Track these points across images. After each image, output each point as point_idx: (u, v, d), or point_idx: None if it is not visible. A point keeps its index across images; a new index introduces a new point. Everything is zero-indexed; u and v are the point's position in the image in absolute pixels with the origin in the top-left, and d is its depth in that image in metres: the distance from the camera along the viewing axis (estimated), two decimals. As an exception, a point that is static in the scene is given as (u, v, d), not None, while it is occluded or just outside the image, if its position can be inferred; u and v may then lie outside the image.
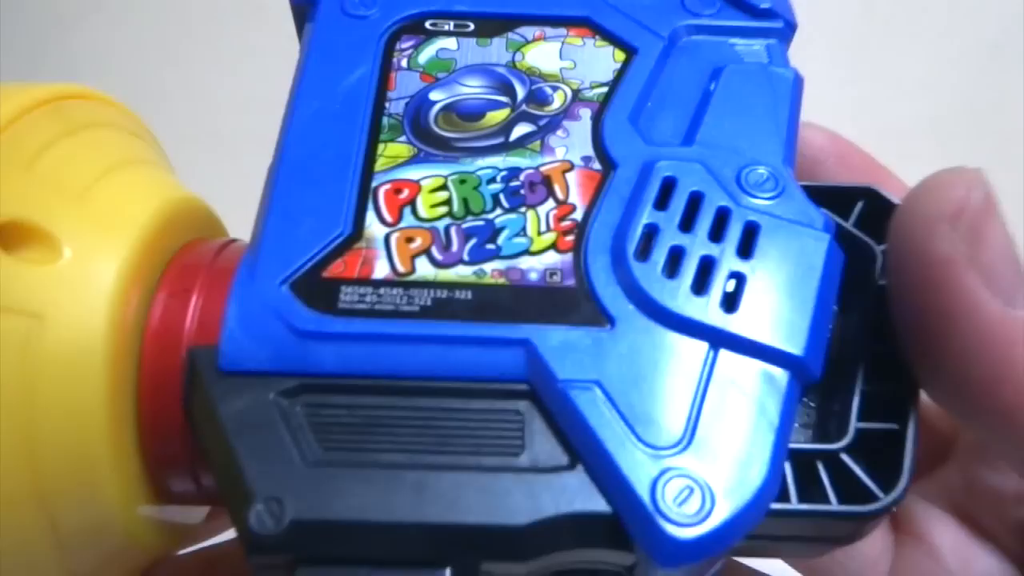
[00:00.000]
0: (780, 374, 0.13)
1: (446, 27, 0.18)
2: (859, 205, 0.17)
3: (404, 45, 0.17)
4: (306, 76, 0.17)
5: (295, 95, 0.16)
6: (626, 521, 0.12)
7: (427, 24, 0.18)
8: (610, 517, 0.12)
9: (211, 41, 0.57)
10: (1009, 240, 0.14)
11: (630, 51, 0.17)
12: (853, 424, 0.14)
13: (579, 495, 0.12)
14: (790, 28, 0.18)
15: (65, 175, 0.13)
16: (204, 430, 0.13)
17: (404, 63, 0.17)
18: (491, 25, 0.18)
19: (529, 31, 0.18)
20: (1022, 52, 0.56)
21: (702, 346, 0.13)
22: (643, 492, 0.12)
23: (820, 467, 0.14)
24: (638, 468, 0.12)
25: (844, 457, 0.14)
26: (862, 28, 0.58)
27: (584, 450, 0.13)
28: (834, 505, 0.14)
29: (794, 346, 0.13)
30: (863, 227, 0.17)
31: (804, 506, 0.14)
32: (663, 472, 0.12)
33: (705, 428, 0.13)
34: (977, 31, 0.57)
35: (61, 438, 0.13)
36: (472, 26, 0.18)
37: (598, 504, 0.12)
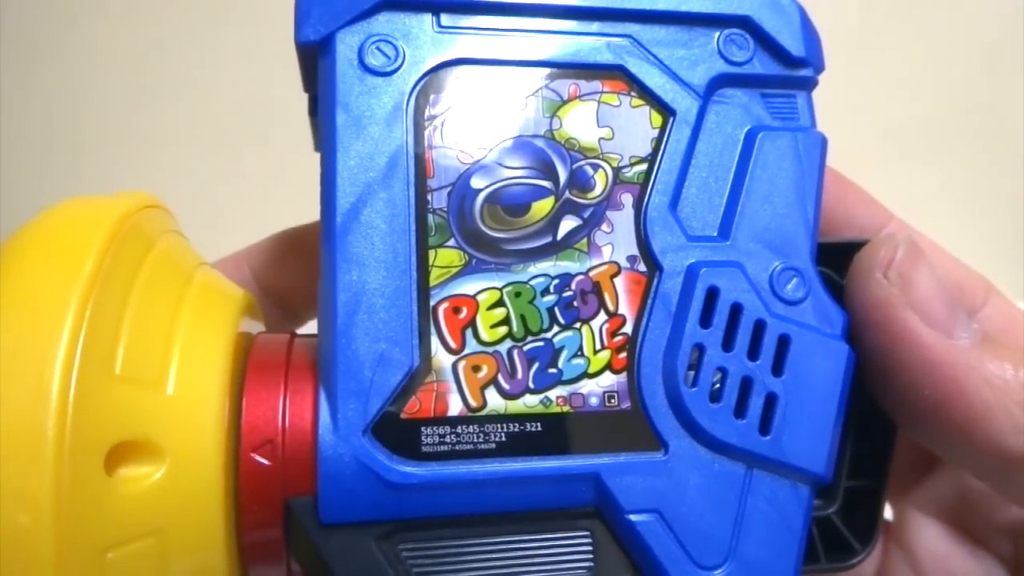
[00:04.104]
0: (803, 488, 0.16)
1: (475, 81, 0.17)
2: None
3: (434, 110, 0.16)
4: (339, 157, 0.16)
5: (332, 184, 0.15)
6: None
7: (454, 79, 0.16)
8: None
9: (211, 41, 0.53)
10: (937, 281, 0.17)
11: (667, 113, 0.17)
12: (843, 486, 0.17)
13: None
14: (818, 72, 0.18)
15: (145, 364, 0.13)
16: (314, 570, 0.15)
17: (438, 138, 0.16)
18: (523, 77, 0.17)
19: (563, 85, 0.17)
20: (1022, 52, 0.55)
21: (740, 467, 0.16)
22: None
23: (814, 529, 0.17)
24: None
25: (835, 520, 0.17)
26: (862, 28, 0.57)
27: (647, 570, 0.15)
28: (823, 563, 0.17)
29: (817, 465, 0.16)
30: None
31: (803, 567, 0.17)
32: (713, 588, 0.15)
33: (744, 544, 0.15)
34: (977, 31, 0.56)
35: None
36: (503, 78, 0.17)
37: None
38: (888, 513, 0.20)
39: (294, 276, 0.21)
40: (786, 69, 0.18)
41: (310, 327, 0.21)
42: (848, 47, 0.56)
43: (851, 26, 0.58)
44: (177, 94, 0.55)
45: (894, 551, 0.20)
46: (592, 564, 0.15)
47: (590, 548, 0.15)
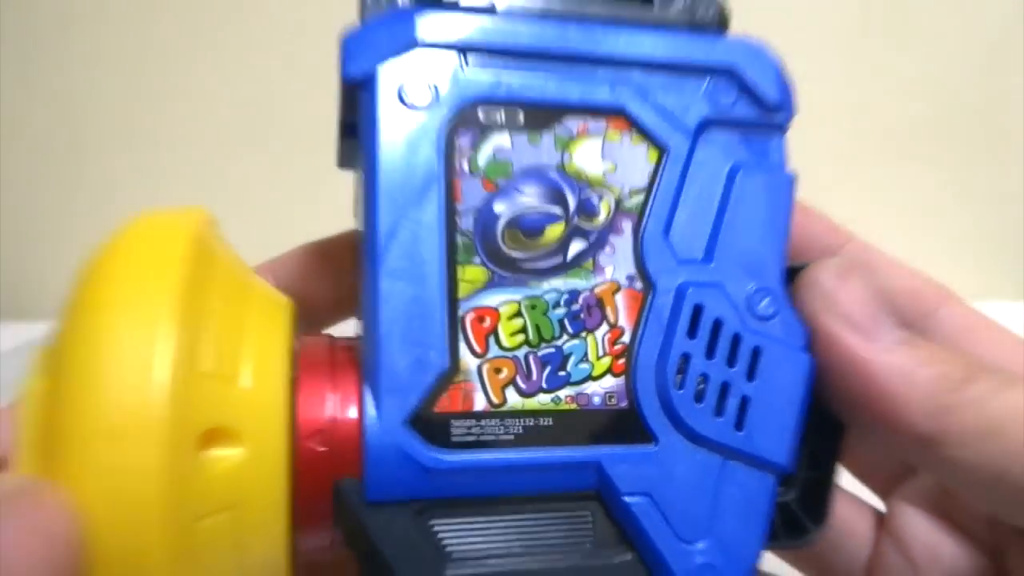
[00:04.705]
0: (769, 477, 0.19)
1: (498, 117, 0.19)
2: None
3: (463, 142, 0.18)
4: (380, 182, 0.18)
5: (374, 206, 0.18)
6: None
7: (480, 114, 0.19)
8: None
9: (211, 41, 0.53)
10: (865, 294, 0.19)
11: (662, 150, 0.20)
12: (801, 476, 0.20)
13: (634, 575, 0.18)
14: (791, 117, 0.21)
15: (225, 360, 0.15)
16: (357, 542, 0.17)
17: (466, 166, 0.18)
18: (539, 115, 0.19)
19: (573, 123, 0.19)
20: (1022, 52, 0.54)
21: (718, 458, 0.18)
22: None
23: (776, 513, 0.20)
24: (680, 560, 0.18)
25: (793, 505, 0.20)
26: (862, 28, 0.56)
27: (639, 545, 0.18)
28: (782, 541, 0.20)
29: (781, 458, 0.18)
30: None
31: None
32: (695, 560, 0.18)
33: (719, 523, 0.18)
34: (977, 31, 0.55)
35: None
36: (522, 115, 0.19)
37: None
38: (881, 507, 0.23)
39: (317, 287, 0.23)
40: (764, 114, 0.20)
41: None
42: (848, 47, 0.57)
43: (851, 26, 0.57)
44: (177, 94, 0.55)
45: (885, 540, 0.22)
46: (592, 538, 0.18)
47: (590, 526, 0.18)
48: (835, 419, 0.20)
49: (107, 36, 0.56)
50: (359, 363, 0.18)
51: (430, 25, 0.18)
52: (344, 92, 0.19)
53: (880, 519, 0.23)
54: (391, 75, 0.18)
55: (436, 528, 0.17)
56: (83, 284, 0.15)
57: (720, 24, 0.21)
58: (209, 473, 0.14)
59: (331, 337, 0.19)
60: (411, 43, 0.18)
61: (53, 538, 0.12)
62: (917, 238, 0.57)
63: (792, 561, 0.24)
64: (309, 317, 0.23)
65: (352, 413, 0.17)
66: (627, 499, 0.18)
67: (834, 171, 0.57)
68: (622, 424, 0.18)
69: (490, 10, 0.20)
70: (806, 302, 0.19)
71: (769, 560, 0.23)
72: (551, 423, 0.18)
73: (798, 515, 0.20)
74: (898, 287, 0.22)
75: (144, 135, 0.56)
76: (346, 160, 0.23)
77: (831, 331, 0.19)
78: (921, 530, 0.21)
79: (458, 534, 0.17)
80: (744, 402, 0.19)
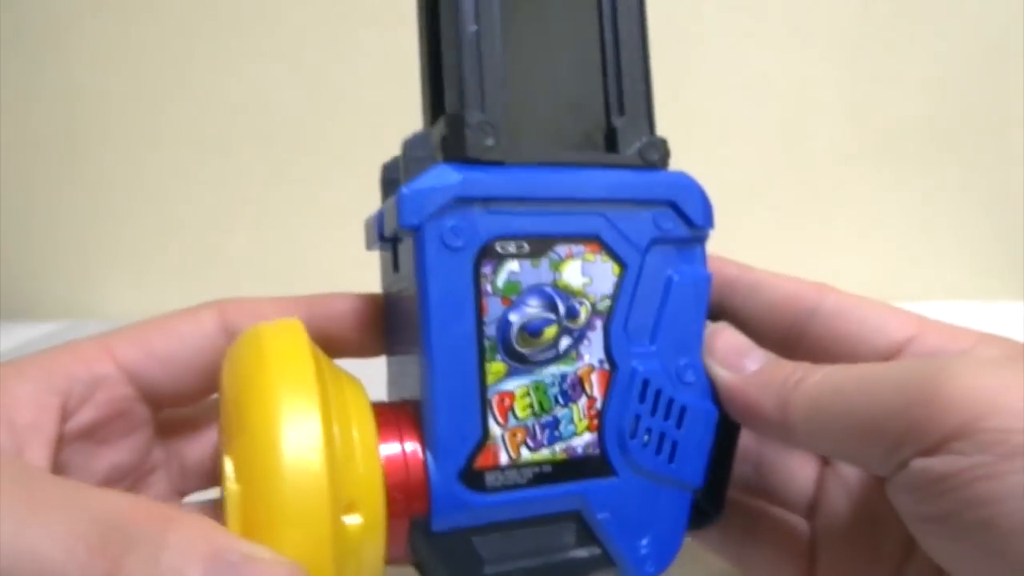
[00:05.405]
0: (688, 493, 0.28)
1: (511, 248, 0.26)
2: None
3: (486, 270, 0.26)
4: (432, 304, 0.25)
5: (428, 319, 0.24)
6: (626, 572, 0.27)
7: (497, 247, 0.26)
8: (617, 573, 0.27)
9: (211, 41, 0.53)
10: (729, 342, 0.28)
11: (623, 265, 0.27)
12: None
13: (603, 564, 0.27)
14: (710, 230, 0.29)
15: (345, 447, 0.22)
16: (427, 561, 0.25)
17: (489, 288, 0.26)
18: (538, 244, 0.26)
19: (563, 249, 0.27)
20: (1022, 52, 0.53)
21: (656, 483, 0.27)
22: (636, 565, 0.27)
23: None
24: (631, 552, 0.27)
25: (700, 500, 0.30)
26: (862, 28, 0.55)
27: (605, 543, 0.27)
28: (691, 528, 0.30)
29: (697, 479, 0.28)
30: None
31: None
32: (640, 552, 0.27)
33: (657, 525, 0.27)
34: (977, 31, 0.54)
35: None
36: (526, 246, 0.26)
37: (613, 572, 0.27)
38: None
39: (346, 330, 0.29)
40: (692, 231, 0.28)
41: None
42: (848, 47, 0.56)
43: (851, 26, 0.57)
44: (177, 94, 0.55)
45: (829, 476, 0.29)
46: (575, 540, 0.27)
47: (574, 534, 0.27)
48: (731, 424, 0.30)
49: (107, 36, 0.54)
50: (417, 427, 0.25)
51: (462, 187, 0.25)
52: (400, 237, 0.26)
53: (825, 460, 0.31)
54: (436, 227, 0.25)
55: (476, 544, 0.25)
56: (250, 404, 0.21)
57: (663, 161, 0.29)
58: (345, 535, 0.22)
59: (390, 407, 0.26)
60: (449, 204, 0.25)
61: None
62: (917, 238, 0.60)
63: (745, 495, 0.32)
64: (331, 352, 0.29)
65: (421, 474, 0.25)
66: (598, 515, 0.26)
67: (834, 171, 0.59)
68: (595, 465, 0.27)
69: (500, 163, 0.26)
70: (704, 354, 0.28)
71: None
72: (551, 469, 0.26)
73: (703, 506, 0.30)
74: (780, 295, 0.29)
75: (144, 135, 0.57)
76: (373, 244, 0.29)
77: (711, 371, 0.28)
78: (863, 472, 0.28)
79: (490, 546, 0.25)
80: (674, 444, 0.27)
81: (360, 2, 0.55)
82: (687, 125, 0.57)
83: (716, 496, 0.30)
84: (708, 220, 0.29)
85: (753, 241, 0.60)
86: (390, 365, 0.30)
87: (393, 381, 0.30)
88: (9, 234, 0.60)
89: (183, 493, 0.30)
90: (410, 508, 0.24)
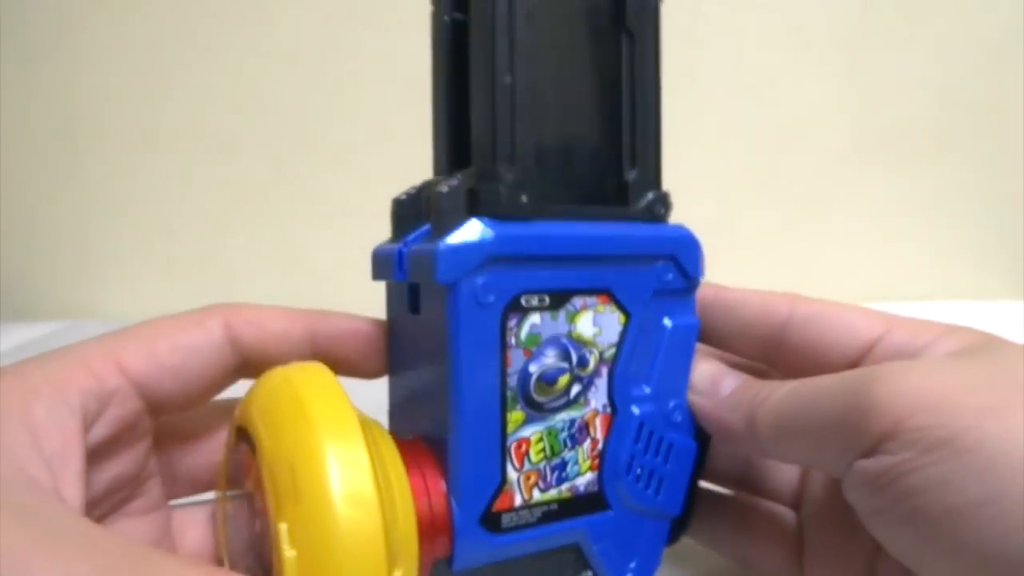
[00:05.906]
0: (668, 520, 0.31)
1: (534, 302, 0.27)
2: None
3: (511, 324, 0.27)
4: (463, 357, 0.26)
5: (459, 370, 0.25)
6: None
7: (522, 301, 0.27)
8: None
9: (211, 42, 0.51)
10: (708, 368, 0.31)
11: (628, 315, 0.29)
12: None
13: None
14: (701, 281, 0.31)
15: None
16: None
17: (513, 340, 0.27)
18: (557, 298, 0.28)
19: (578, 301, 0.28)
20: (1022, 52, 0.54)
21: (644, 514, 0.30)
22: None
23: None
24: (620, 573, 0.29)
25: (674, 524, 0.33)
26: (862, 28, 0.55)
27: (597, 568, 0.29)
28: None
29: (677, 510, 0.31)
30: None
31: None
32: (629, 573, 0.30)
33: (643, 549, 0.30)
34: (977, 31, 0.55)
35: None
36: (547, 299, 0.27)
37: None
38: None
39: (350, 353, 0.30)
40: (687, 283, 0.30)
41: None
42: (848, 47, 0.56)
43: (851, 26, 0.57)
44: (177, 95, 0.52)
45: (811, 469, 0.31)
46: (573, 567, 0.29)
47: (572, 561, 0.29)
48: (703, 435, 0.32)
49: (107, 36, 0.51)
50: (436, 468, 0.26)
51: (496, 246, 0.26)
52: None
53: None
54: (470, 284, 0.25)
55: (492, 571, 0.27)
56: (308, 473, 0.22)
57: (667, 215, 0.30)
58: (393, 589, 0.23)
59: (408, 447, 0.27)
60: (480, 263, 0.25)
61: None
62: (917, 238, 0.61)
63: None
64: (332, 368, 0.29)
65: (445, 520, 0.26)
66: (595, 546, 0.29)
67: (834, 171, 0.59)
68: (594, 501, 0.29)
69: (523, 217, 0.27)
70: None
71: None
72: (557, 507, 0.28)
73: (674, 527, 0.33)
74: (752, 312, 0.30)
75: (143, 135, 0.53)
76: (382, 277, 0.30)
77: (692, 400, 0.31)
78: None
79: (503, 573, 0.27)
80: (661, 480, 0.30)
81: (360, 2, 0.52)
82: (687, 125, 0.57)
83: (685, 520, 0.33)
84: (701, 271, 0.31)
85: (753, 241, 0.63)
86: (395, 390, 0.31)
87: (399, 408, 0.30)
88: (9, 234, 0.57)
89: (171, 498, 0.30)
90: (433, 552, 0.26)
